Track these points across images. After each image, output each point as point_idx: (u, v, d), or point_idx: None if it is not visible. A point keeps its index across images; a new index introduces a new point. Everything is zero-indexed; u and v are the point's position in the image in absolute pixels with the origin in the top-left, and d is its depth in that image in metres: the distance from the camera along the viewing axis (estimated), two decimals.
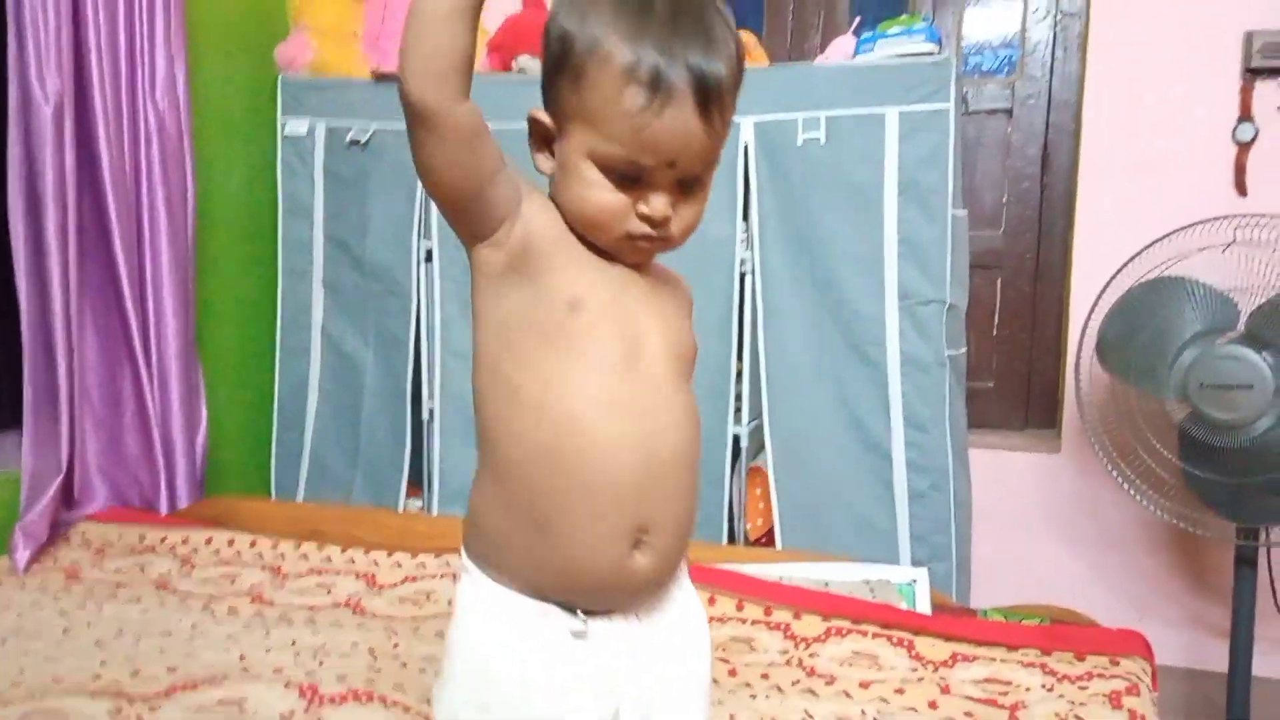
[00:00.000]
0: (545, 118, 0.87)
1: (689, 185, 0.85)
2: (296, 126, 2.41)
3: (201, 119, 2.26)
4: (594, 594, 0.86)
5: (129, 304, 2.07)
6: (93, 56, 1.98)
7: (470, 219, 0.84)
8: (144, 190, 2.11)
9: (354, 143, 2.36)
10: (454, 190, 0.82)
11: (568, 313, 0.84)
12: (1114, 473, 2.05)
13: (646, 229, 0.85)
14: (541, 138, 0.88)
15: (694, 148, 0.82)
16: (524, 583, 0.86)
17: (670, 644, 0.92)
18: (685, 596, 0.96)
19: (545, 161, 0.88)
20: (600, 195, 0.83)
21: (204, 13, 2.27)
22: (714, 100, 0.81)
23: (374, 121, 2.35)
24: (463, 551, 0.91)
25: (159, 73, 2.12)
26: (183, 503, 2.20)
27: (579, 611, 0.86)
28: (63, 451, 2.01)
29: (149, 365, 2.13)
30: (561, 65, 0.83)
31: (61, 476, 2.00)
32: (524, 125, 0.87)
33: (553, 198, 0.88)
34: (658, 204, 0.83)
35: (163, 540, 2.05)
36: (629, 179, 0.83)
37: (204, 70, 2.29)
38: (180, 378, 2.18)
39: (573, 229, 0.87)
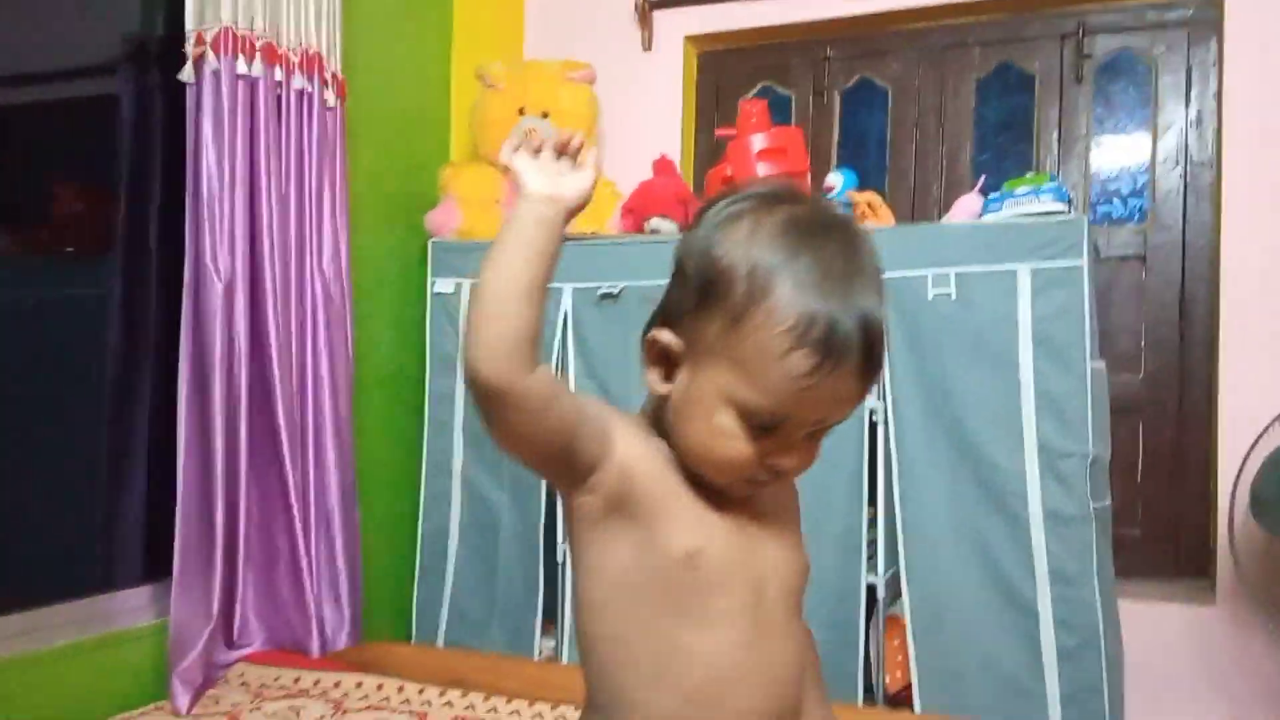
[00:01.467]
0: (674, 343, 0.78)
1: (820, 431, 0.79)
2: (445, 285, 2.57)
3: (359, 282, 2.43)
4: None
5: (287, 461, 2.18)
6: (265, 236, 2.13)
7: (561, 475, 0.79)
8: (309, 354, 2.24)
9: None
10: (540, 456, 0.78)
11: (685, 568, 0.77)
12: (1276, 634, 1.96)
13: (769, 477, 0.79)
14: (661, 359, 0.80)
15: (849, 407, 0.77)
16: None
17: None
18: None
19: (661, 385, 0.80)
20: (733, 446, 0.76)
21: (364, 186, 2.47)
22: (878, 364, 0.76)
23: None
24: None
25: (325, 244, 2.28)
26: (334, 646, 2.28)
27: None
28: (214, 600, 2.09)
29: (305, 516, 2.23)
30: (713, 299, 0.75)
31: (212, 624, 2.08)
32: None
33: (660, 416, 0.81)
34: (792, 461, 0.78)
35: (315, 683, 2.13)
36: (767, 429, 0.76)
37: (363, 237, 2.47)
38: (342, 527, 2.29)
39: (677, 457, 0.80)
